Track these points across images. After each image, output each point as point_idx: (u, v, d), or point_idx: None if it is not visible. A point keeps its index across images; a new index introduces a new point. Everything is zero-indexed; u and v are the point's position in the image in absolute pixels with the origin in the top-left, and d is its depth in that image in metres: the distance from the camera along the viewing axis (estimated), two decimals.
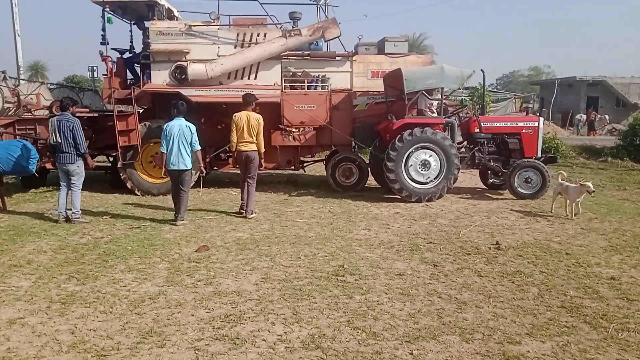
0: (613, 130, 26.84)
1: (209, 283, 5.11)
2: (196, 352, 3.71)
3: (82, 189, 7.88)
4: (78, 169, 7.66)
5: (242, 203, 8.34)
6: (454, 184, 9.75)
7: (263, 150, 8.19)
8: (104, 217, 7.96)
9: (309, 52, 10.61)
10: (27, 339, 3.90)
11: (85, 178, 7.99)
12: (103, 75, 10.68)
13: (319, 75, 10.61)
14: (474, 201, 9.79)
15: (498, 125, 10.37)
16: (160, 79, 10.10)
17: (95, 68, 12.39)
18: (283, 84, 10.38)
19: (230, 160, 10.76)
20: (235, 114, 8.05)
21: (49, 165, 10.00)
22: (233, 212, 8.42)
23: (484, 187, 11.31)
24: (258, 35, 10.17)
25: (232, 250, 6.28)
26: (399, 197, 9.58)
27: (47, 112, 10.11)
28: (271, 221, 7.89)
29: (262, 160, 8.38)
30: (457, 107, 11.81)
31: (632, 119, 18.43)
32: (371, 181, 11.14)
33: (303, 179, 12.19)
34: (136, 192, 9.99)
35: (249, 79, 10.29)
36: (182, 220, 7.60)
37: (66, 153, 7.56)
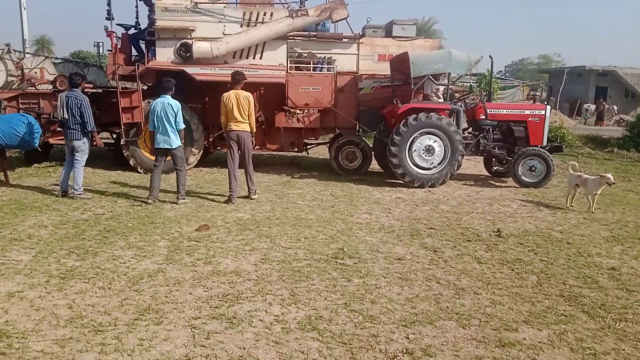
0: (621, 120, 26.62)
1: (208, 262, 5.12)
2: (193, 330, 3.72)
3: (85, 166, 7.88)
4: (83, 146, 7.65)
5: (230, 194, 7.74)
6: (457, 170, 9.68)
7: (254, 130, 7.92)
8: (106, 194, 7.96)
9: (315, 33, 10.50)
10: (25, 313, 3.91)
11: (89, 154, 7.98)
12: (108, 51, 10.61)
13: (324, 57, 10.52)
14: (477, 188, 9.74)
15: (504, 112, 10.27)
16: (165, 56, 10.04)
17: (101, 44, 12.20)
18: (288, 65, 10.29)
19: None
20: (224, 93, 7.68)
21: (52, 140, 10.00)
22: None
23: (488, 174, 11.25)
24: (265, 14, 10.07)
25: (232, 230, 6.28)
26: (402, 182, 9.54)
27: (50, 86, 10.07)
28: (272, 202, 7.88)
29: (254, 139, 8.12)
30: (463, 93, 11.69)
31: None
32: (374, 165, 11.11)
33: (306, 162, 12.17)
34: (139, 169, 10.00)
35: (254, 58, 10.21)
36: (184, 199, 7.59)
37: (73, 130, 7.56)
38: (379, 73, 10.58)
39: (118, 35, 10.53)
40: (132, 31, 11.01)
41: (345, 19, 10.28)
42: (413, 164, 9.47)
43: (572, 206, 8.15)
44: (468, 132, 10.56)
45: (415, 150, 9.42)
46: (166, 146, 7.50)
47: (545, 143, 10.24)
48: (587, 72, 36.19)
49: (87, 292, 4.32)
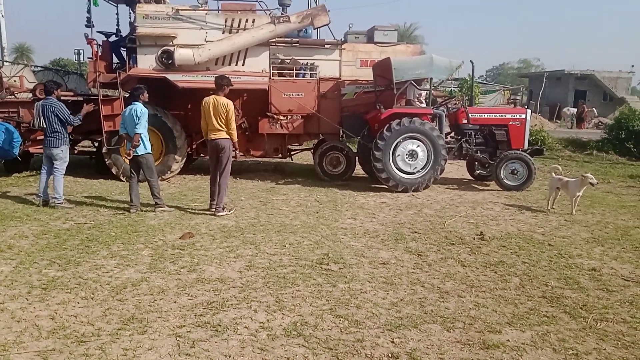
0: (600, 123, 27.09)
1: (192, 270, 5.09)
2: (177, 338, 3.69)
3: (66, 175, 7.78)
4: (62, 154, 7.56)
5: (211, 202, 7.59)
6: (440, 174, 9.76)
7: (235, 139, 7.44)
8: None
9: (297, 40, 10.54)
10: (6, 324, 3.85)
11: (70, 163, 7.90)
12: (88, 58, 10.52)
13: (307, 63, 10.55)
14: (459, 192, 9.83)
15: (486, 116, 10.39)
16: (146, 63, 9.98)
17: (81, 51, 12.08)
18: (271, 71, 10.30)
19: None
20: (205, 98, 7.39)
21: (32, 149, 9.87)
22: None
23: (471, 178, 11.37)
24: (246, 21, 10.07)
25: (216, 237, 6.25)
26: (386, 186, 9.59)
27: (30, 95, 9.95)
28: (257, 209, 7.86)
29: (237, 151, 7.65)
30: (445, 97, 11.80)
31: (618, 113, 18.60)
32: (358, 170, 11.15)
33: (290, 168, 12.17)
34: (121, 177, 9.90)
35: (236, 65, 10.20)
36: (162, 207, 7.49)
37: (50, 137, 7.47)
38: (362, 78, 10.65)
39: (99, 42, 10.45)
40: (112, 38, 10.95)
41: (327, 25, 10.34)
42: (397, 168, 9.53)
43: (553, 209, 8.26)
44: (451, 137, 10.66)
45: (398, 155, 9.48)
46: (133, 153, 7.40)
47: (526, 146, 10.37)
48: (566, 76, 36.80)
49: (69, 302, 4.26)
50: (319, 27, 10.50)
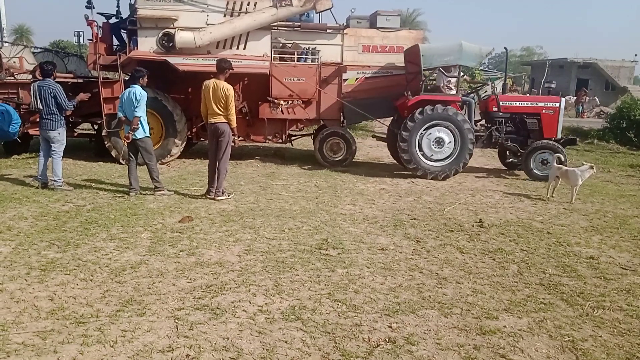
0: (601, 112, 26.99)
1: (191, 253, 5.10)
2: (176, 321, 3.71)
3: (66, 157, 7.77)
4: (59, 136, 7.52)
5: (209, 188, 7.46)
6: (467, 162, 9.69)
7: (234, 124, 7.33)
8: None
9: (299, 24, 10.43)
10: (5, 305, 3.86)
11: (69, 146, 7.88)
12: (88, 40, 10.44)
13: (309, 48, 10.46)
14: (459, 179, 9.82)
15: (517, 104, 10.25)
16: (147, 45, 9.89)
17: (81, 33, 11.97)
18: (272, 55, 10.23)
19: None
20: (205, 81, 7.29)
21: (32, 131, 9.84)
22: None
23: (471, 165, 11.31)
24: (248, 4, 9.96)
25: (216, 221, 6.25)
26: (412, 173, 9.61)
27: (30, 76, 9.89)
28: (256, 194, 7.85)
29: (236, 137, 7.59)
30: (477, 85, 11.53)
31: (620, 102, 18.53)
32: (358, 156, 11.16)
33: (290, 153, 12.14)
34: (121, 160, 9.88)
35: (237, 49, 10.12)
36: (161, 190, 7.48)
37: (47, 120, 7.43)
38: (364, 64, 10.57)
39: (99, 24, 10.36)
40: (113, 20, 10.84)
41: (330, 9, 10.24)
42: (423, 155, 9.53)
43: (552, 197, 8.24)
44: (481, 125, 10.52)
45: (425, 142, 9.46)
46: (131, 137, 7.37)
47: (559, 135, 10.18)
48: (568, 65, 36.56)
49: (68, 284, 4.28)
50: (322, 12, 10.40)
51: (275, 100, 10.40)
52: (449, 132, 9.46)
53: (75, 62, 12.65)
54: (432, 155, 9.56)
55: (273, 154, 11.97)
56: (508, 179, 10.05)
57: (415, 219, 6.77)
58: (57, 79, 7.87)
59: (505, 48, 10.34)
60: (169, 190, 7.60)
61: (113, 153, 9.96)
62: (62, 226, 5.81)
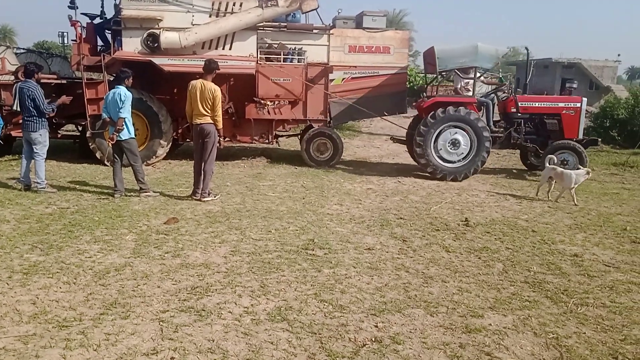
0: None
1: (176, 255, 5.06)
2: (161, 323, 3.67)
3: (49, 159, 7.67)
4: (40, 138, 7.42)
5: (194, 190, 7.40)
6: (483, 163, 9.71)
7: (221, 126, 7.30)
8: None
9: (285, 24, 10.42)
10: None
11: (53, 147, 7.79)
12: (72, 41, 10.33)
13: (295, 48, 10.45)
14: None
15: (536, 105, 10.19)
16: (131, 46, 9.82)
17: (65, 34, 11.83)
18: (259, 56, 10.20)
19: None
20: (192, 81, 7.25)
21: (14, 133, 9.71)
22: None
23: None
24: (234, 4, 9.93)
25: (201, 222, 6.22)
26: (432, 175, 9.65)
27: (12, 77, 9.76)
28: (243, 194, 7.82)
29: (221, 139, 7.61)
30: (495, 86, 11.38)
31: (604, 102, 18.76)
32: (345, 156, 11.17)
33: (277, 153, 12.11)
34: (105, 162, 9.78)
35: (223, 49, 10.07)
36: (146, 192, 7.42)
37: (28, 121, 7.34)
38: (350, 64, 10.58)
39: (83, 24, 10.25)
40: (97, 20, 10.75)
41: (316, 9, 10.25)
42: (438, 156, 9.55)
43: (549, 198, 8.14)
44: (499, 125, 10.46)
45: (441, 143, 9.49)
46: (116, 138, 7.30)
47: (581, 136, 10.07)
48: (553, 65, 36.94)
49: (51, 287, 4.22)
50: (308, 12, 10.42)
51: (262, 101, 10.37)
52: (464, 133, 9.47)
53: (59, 63, 12.49)
54: (447, 156, 9.56)
55: (260, 154, 11.93)
56: (493, 178, 10.11)
57: (401, 218, 6.79)
58: (41, 80, 7.77)
59: (526, 48, 10.28)
60: (154, 192, 7.54)
61: (97, 154, 9.86)
62: (45, 229, 5.73)
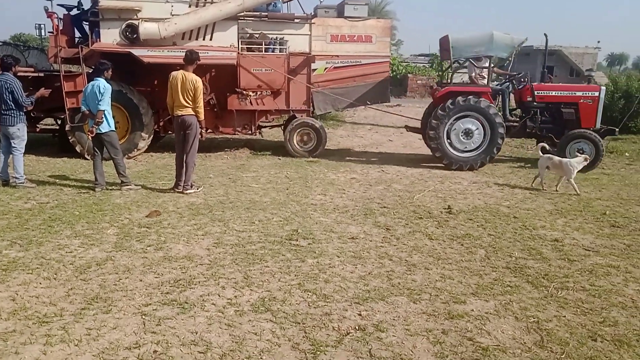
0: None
1: (159, 248, 5.02)
2: (143, 317, 3.65)
3: (28, 153, 7.54)
4: (18, 132, 7.29)
5: (176, 182, 7.31)
6: (496, 154, 9.68)
7: (202, 117, 7.25)
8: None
9: (266, 14, 10.33)
10: None
11: (32, 141, 7.66)
12: (49, 33, 10.14)
13: (276, 38, 10.37)
14: (429, 167, 9.91)
15: (553, 94, 10.05)
16: (110, 37, 9.66)
17: (42, 26, 11.65)
18: (240, 46, 10.11)
19: None
20: (172, 72, 7.18)
21: None
22: None
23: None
24: None
25: (184, 215, 6.17)
26: (444, 164, 9.65)
27: None
28: (226, 186, 7.78)
29: (203, 130, 7.47)
30: (511, 75, 11.21)
31: None
32: (329, 146, 11.15)
33: (260, 144, 12.05)
34: (86, 155, 9.64)
35: (204, 39, 9.96)
36: (128, 185, 7.34)
37: (6, 115, 7.20)
38: (332, 54, 10.53)
39: (60, 16, 10.05)
40: (74, 12, 10.53)
41: None
42: (451, 146, 9.53)
43: (543, 189, 7.99)
44: (515, 115, 10.39)
45: (453, 133, 9.47)
46: (96, 131, 7.21)
47: (598, 125, 9.92)
48: (534, 52, 37.14)
49: (31, 283, 4.16)
50: (288, 1, 10.38)
51: (244, 92, 10.29)
52: (478, 123, 9.42)
53: (36, 56, 12.26)
54: (461, 146, 9.54)
55: (243, 145, 11.85)
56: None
57: (385, 207, 6.81)
58: (18, 73, 7.62)
59: (545, 35, 10.21)
60: (136, 185, 7.46)
61: (77, 148, 9.72)
62: (25, 224, 5.65)
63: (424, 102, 25.28)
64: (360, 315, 3.76)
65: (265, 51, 10.30)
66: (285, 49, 10.34)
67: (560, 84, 11.72)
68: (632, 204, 7.22)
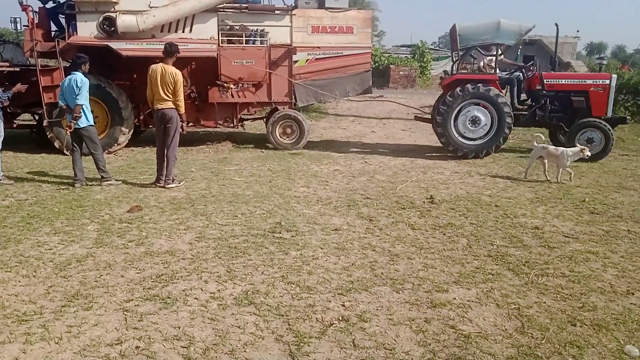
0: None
1: (140, 243, 4.97)
2: (125, 313, 3.61)
3: (5, 150, 7.41)
4: None
5: (158, 177, 7.26)
6: (503, 143, 9.70)
7: (183, 110, 7.17)
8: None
9: (246, 5, 10.24)
10: None
11: (9, 138, 7.53)
12: (24, 26, 9.93)
13: (257, 30, 10.28)
14: (411, 157, 9.96)
15: (563, 82, 9.99)
16: (87, 30, 9.50)
17: (18, 19, 11.35)
18: (220, 38, 10.01)
19: None
20: (151, 65, 7.11)
21: None
22: None
23: (423, 144, 11.44)
24: None
25: (166, 209, 6.12)
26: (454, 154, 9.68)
27: None
28: (208, 180, 7.72)
29: (184, 124, 7.36)
30: (519, 65, 11.11)
31: None
32: (312, 139, 11.12)
33: (243, 137, 11.98)
34: (64, 151, 9.49)
35: (183, 32, 9.84)
36: (108, 180, 7.26)
37: None
38: (313, 45, 10.48)
39: (35, 9, 9.85)
40: (50, 5, 10.32)
41: None
42: (458, 133, 9.56)
43: (547, 179, 7.94)
44: (525, 103, 10.36)
45: (461, 120, 9.49)
46: (74, 126, 7.09)
47: (609, 114, 9.83)
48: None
49: (9, 281, 4.09)
50: None
51: (225, 84, 10.20)
52: (485, 111, 9.43)
53: (11, 50, 11.97)
54: (468, 134, 9.57)
55: (225, 138, 11.77)
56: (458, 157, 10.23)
57: (368, 198, 6.83)
58: None
59: (556, 25, 10.00)
60: (116, 180, 7.38)
61: (56, 144, 9.56)
62: (2, 222, 5.55)
63: (407, 92, 25.39)
64: (343, 306, 3.77)
65: (245, 43, 10.21)
66: (266, 40, 10.26)
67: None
68: (610, 191, 7.33)
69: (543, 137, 8.69)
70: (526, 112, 10.07)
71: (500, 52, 10.26)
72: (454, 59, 10.51)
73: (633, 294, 4.02)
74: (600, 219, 6.00)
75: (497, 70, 10.13)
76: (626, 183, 7.87)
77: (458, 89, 9.42)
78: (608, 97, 9.73)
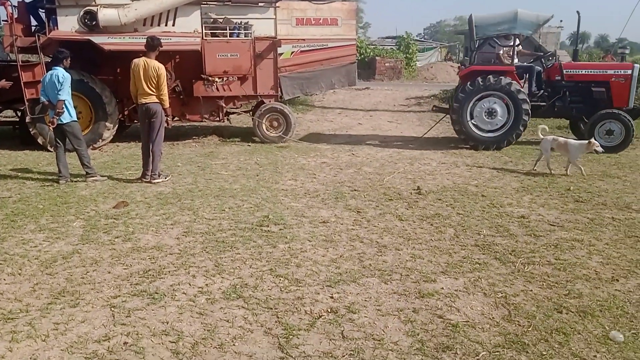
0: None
1: (127, 239, 4.93)
2: (112, 309, 3.58)
3: None
4: None
5: (144, 172, 7.21)
6: (521, 134, 9.61)
7: (167, 105, 7.11)
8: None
9: None
10: None
11: None
12: (4, 21, 9.76)
13: (241, 22, 10.21)
14: (398, 149, 9.99)
15: (583, 72, 9.80)
16: (68, 25, 9.35)
17: None
18: (204, 31, 9.92)
19: None
20: (134, 60, 7.05)
21: None
22: None
23: (410, 135, 11.47)
24: None
25: (152, 205, 6.07)
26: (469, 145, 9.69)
27: None
28: (195, 174, 7.68)
29: (169, 118, 7.32)
30: (537, 54, 11.00)
31: None
32: (298, 131, 11.09)
33: (229, 131, 11.92)
34: (48, 147, 9.37)
35: (166, 25, 9.73)
36: (93, 176, 7.18)
37: None
38: (298, 37, 10.43)
39: (14, 3, 9.67)
40: None
41: None
42: (474, 125, 9.51)
43: (550, 172, 7.77)
44: (542, 94, 10.18)
45: (477, 112, 9.43)
46: (57, 122, 7.01)
47: (631, 105, 9.57)
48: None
49: None
50: None
51: (210, 78, 10.11)
52: (502, 103, 9.36)
53: None
54: (483, 125, 9.51)
55: (211, 132, 11.70)
56: (445, 147, 10.29)
57: (355, 190, 6.83)
58: None
59: (577, 12, 9.75)
60: (101, 176, 7.31)
61: (39, 140, 9.43)
62: None
63: (393, 84, 25.44)
64: (332, 298, 3.78)
65: (230, 36, 10.13)
66: (250, 33, 10.19)
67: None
68: (594, 179, 7.42)
69: (547, 128, 8.54)
70: (544, 103, 9.86)
71: (518, 42, 10.18)
72: (471, 49, 10.40)
73: (617, 280, 4.08)
74: (585, 207, 6.07)
75: (515, 61, 10.01)
76: (610, 171, 7.97)
77: (471, 81, 9.35)
78: (630, 88, 9.50)
